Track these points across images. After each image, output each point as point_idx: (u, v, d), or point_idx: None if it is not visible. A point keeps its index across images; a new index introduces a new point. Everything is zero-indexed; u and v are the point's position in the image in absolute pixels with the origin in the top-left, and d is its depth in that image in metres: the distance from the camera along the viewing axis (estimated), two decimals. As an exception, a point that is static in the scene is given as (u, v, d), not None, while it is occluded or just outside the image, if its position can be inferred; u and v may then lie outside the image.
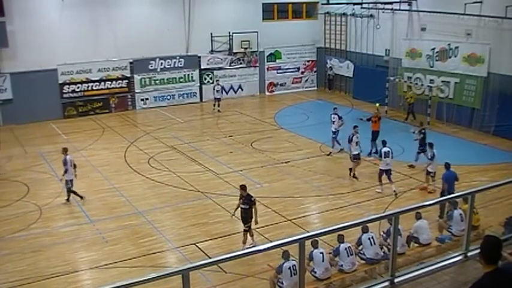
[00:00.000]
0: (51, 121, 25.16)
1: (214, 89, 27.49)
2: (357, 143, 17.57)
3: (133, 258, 12.62)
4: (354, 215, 14.48)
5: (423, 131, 18.53)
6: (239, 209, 13.02)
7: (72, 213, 15.31)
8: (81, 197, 16.08)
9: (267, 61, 31.23)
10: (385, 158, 16.33)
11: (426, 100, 24.39)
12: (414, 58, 25.90)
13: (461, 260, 7.12)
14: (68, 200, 15.98)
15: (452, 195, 11.59)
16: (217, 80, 28.54)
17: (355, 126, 18.04)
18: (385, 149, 16.47)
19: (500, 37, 21.73)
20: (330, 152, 20.09)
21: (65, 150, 16.14)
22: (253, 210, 12.74)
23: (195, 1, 28.21)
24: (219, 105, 27.02)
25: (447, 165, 14.63)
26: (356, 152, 17.58)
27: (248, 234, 12.92)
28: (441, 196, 13.77)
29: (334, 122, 20.05)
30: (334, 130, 20.05)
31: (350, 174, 17.76)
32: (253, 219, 12.83)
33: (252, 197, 12.90)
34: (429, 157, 16.09)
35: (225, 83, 29.49)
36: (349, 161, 18.10)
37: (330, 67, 31.73)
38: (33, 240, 13.62)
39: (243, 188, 13.00)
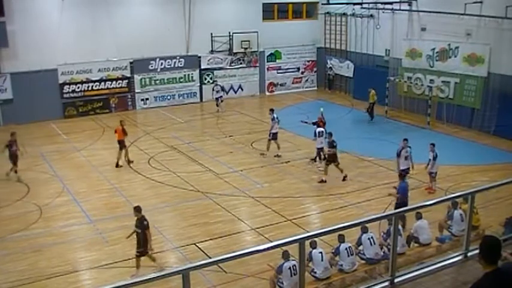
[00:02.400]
0: (51, 121, 25.15)
1: (213, 90, 27.54)
2: (406, 157, 16.11)
3: (134, 258, 12.61)
4: (354, 215, 14.49)
5: (334, 143, 17.28)
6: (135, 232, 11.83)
7: (72, 213, 15.31)
8: None
9: (267, 61, 31.23)
10: (319, 137, 18.31)
11: (426, 100, 24.40)
12: (414, 58, 25.91)
13: (461, 260, 7.13)
14: None
15: (452, 195, 11.51)
16: (215, 81, 28.55)
17: (405, 140, 16.44)
18: (319, 129, 18.46)
19: (500, 37, 21.73)
20: (270, 154, 19.84)
21: None
22: (147, 235, 11.59)
23: (195, 1, 28.20)
24: (218, 105, 27.07)
25: (402, 176, 14.02)
26: (403, 167, 15.94)
27: (140, 261, 11.65)
28: (397, 208, 12.78)
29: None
30: (273, 132, 19.67)
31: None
32: (149, 245, 11.65)
33: (145, 220, 11.64)
34: (431, 157, 16.10)
35: (225, 83, 29.49)
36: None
37: (330, 67, 31.73)
38: (34, 240, 13.62)
39: (136, 209, 11.91)
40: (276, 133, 19.78)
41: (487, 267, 4.50)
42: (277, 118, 19.82)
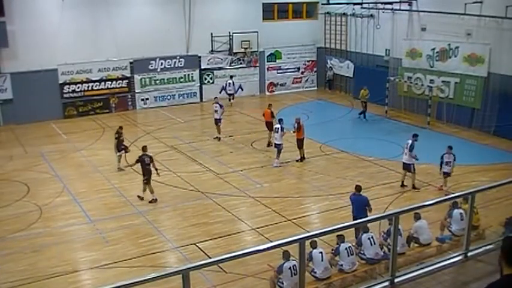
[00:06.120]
0: (51, 121, 25.15)
1: (227, 86, 28.30)
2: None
3: (133, 258, 12.63)
4: (354, 215, 14.45)
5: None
6: None
7: (72, 213, 15.30)
8: None
9: (267, 61, 31.23)
10: (275, 133, 19.22)
11: (426, 100, 24.40)
12: (414, 58, 25.90)
13: (461, 260, 7.12)
14: None
15: (452, 195, 11.44)
16: (232, 76, 29.05)
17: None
18: (276, 126, 19.29)
19: (500, 37, 21.72)
20: (218, 137, 21.83)
21: None
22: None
23: (195, 1, 28.20)
24: (230, 100, 28.15)
25: (358, 188, 13.19)
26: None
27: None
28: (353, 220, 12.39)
29: (216, 111, 21.91)
30: (218, 118, 21.92)
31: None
32: None
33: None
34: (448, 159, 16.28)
35: (225, 83, 29.52)
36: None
37: (330, 67, 31.72)
38: (34, 240, 13.62)
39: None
40: (219, 119, 21.94)
41: (507, 268, 4.43)
42: (219, 105, 21.84)
